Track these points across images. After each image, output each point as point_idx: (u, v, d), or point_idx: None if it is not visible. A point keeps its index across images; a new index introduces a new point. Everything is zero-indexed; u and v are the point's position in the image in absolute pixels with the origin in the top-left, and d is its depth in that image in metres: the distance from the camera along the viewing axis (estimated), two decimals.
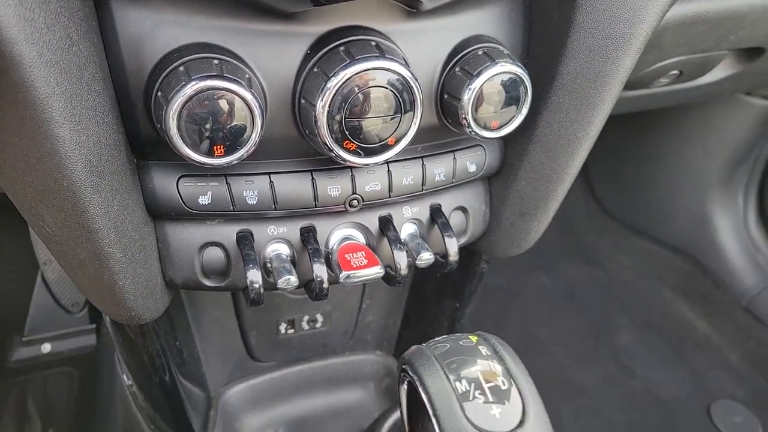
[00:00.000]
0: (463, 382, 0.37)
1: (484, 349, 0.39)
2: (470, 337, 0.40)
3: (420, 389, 0.37)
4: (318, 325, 0.86)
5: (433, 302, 0.86)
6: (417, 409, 0.38)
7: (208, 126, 0.45)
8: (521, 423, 0.35)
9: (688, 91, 0.90)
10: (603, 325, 1.63)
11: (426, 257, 0.60)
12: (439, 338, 0.40)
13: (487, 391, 0.37)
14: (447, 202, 0.64)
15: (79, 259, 0.48)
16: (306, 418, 0.91)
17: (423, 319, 0.88)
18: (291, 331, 0.85)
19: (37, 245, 1.19)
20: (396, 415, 0.83)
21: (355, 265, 0.57)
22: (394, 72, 0.48)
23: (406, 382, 0.39)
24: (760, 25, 0.75)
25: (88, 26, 0.42)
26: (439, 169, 0.60)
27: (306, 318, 0.85)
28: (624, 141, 1.69)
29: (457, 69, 0.53)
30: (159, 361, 0.68)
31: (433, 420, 0.36)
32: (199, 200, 0.52)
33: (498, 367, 0.38)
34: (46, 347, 1.25)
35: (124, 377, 0.85)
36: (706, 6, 0.67)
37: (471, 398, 0.36)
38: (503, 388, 0.37)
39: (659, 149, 1.64)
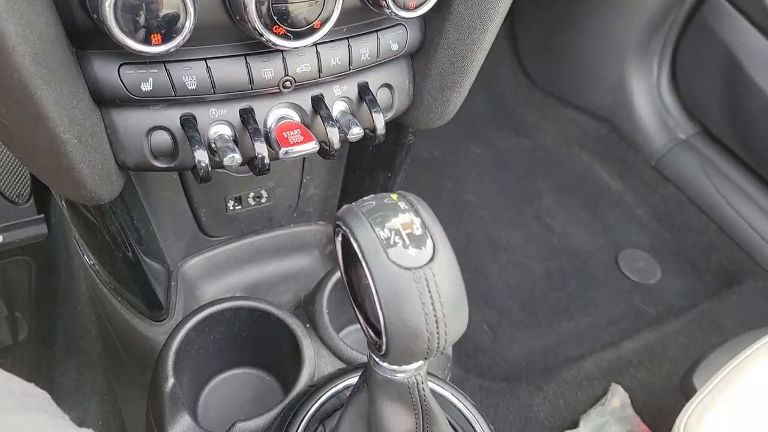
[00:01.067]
0: (386, 231, 0.45)
1: (402, 204, 0.47)
2: (392, 195, 0.48)
3: (351, 239, 0.45)
4: (263, 200, 0.93)
5: (367, 174, 0.94)
6: (350, 255, 0.47)
7: (142, 14, 0.48)
8: (432, 259, 0.45)
9: None
10: (527, 189, 1.78)
11: (356, 132, 0.67)
12: (366, 197, 0.48)
13: (405, 238, 0.45)
14: (373, 80, 0.70)
15: (38, 147, 0.52)
16: (258, 283, 1.01)
17: (359, 189, 0.97)
18: (238, 207, 0.92)
19: None
20: (337, 274, 0.94)
21: (292, 142, 0.63)
22: None
23: (340, 235, 0.47)
24: None
25: None
26: (364, 48, 0.65)
27: (252, 194, 0.91)
28: (550, 13, 1.74)
29: None
30: (120, 238, 0.75)
31: (363, 263, 0.44)
32: (142, 87, 0.56)
33: (414, 218, 0.46)
34: None
35: (85, 258, 0.91)
36: None
37: (392, 243, 0.45)
38: (418, 234, 0.45)
39: (583, 19, 1.70)
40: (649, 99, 1.71)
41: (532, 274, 1.61)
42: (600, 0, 1.62)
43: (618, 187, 1.79)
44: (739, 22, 1.42)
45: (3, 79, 0.46)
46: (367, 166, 0.95)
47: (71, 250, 1.14)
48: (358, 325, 1.01)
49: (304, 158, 0.90)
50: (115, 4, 0.47)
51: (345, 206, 0.47)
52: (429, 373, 0.72)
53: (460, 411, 0.71)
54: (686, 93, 1.67)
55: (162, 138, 0.61)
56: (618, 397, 1.26)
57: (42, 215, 1.33)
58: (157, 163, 0.62)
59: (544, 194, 1.78)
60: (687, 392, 0.96)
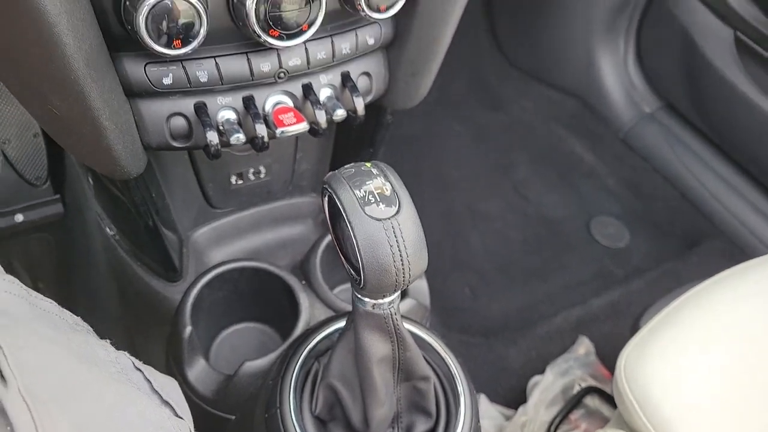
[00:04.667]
0: (362, 191, 0.58)
1: (375, 171, 0.60)
2: (366, 164, 0.61)
3: (335, 198, 0.58)
4: (262, 176, 1.06)
5: (352, 150, 1.07)
6: (335, 211, 0.60)
7: (165, 24, 0.61)
8: (397, 212, 0.58)
9: None
10: (505, 162, 1.91)
11: (340, 113, 0.80)
12: (347, 165, 0.61)
13: (377, 197, 0.58)
14: (354, 70, 0.82)
15: (84, 133, 0.65)
16: (259, 249, 1.14)
17: (346, 164, 1.09)
18: (240, 182, 1.05)
19: None
20: (328, 238, 1.07)
21: (287, 123, 0.76)
22: None
23: (327, 196, 0.61)
24: None
25: None
26: (345, 44, 0.78)
27: (252, 171, 1.04)
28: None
29: None
30: (143, 209, 0.88)
31: (345, 216, 0.57)
32: (163, 81, 0.69)
33: (384, 182, 0.59)
34: (19, 217, 1.40)
35: (107, 229, 1.05)
36: None
37: (367, 201, 0.58)
38: (387, 194, 0.58)
39: (553, 1, 1.82)
40: (616, 76, 1.84)
41: (510, 241, 1.75)
42: None
43: (590, 159, 1.92)
44: (693, 4, 1.55)
45: (61, 80, 0.58)
46: (352, 144, 1.08)
47: (87, 226, 1.26)
48: (347, 284, 1.15)
49: (297, 137, 1.03)
50: (146, 17, 0.59)
51: (330, 173, 0.60)
52: (410, 319, 0.86)
53: (432, 347, 0.85)
54: (650, 70, 1.80)
55: (179, 122, 0.74)
56: (583, 346, 1.41)
57: (58, 195, 1.46)
58: (175, 144, 0.75)
59: (521, 166, 1.92)
60: (633, 333, 1.10)
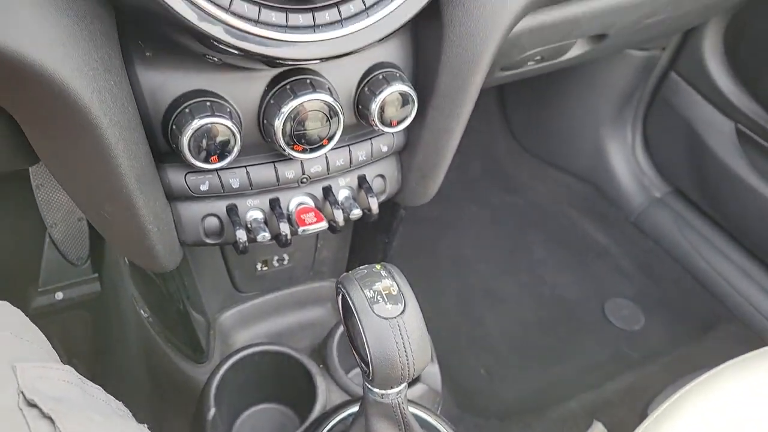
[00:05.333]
0: (372, 292, 0.65)
1: (384, 273, 0.67)
2: (376, 266, 0.69)
3: (347, 298, 0.66)
4: (285, 262, 1.14)
5: (369, 240, 1.16)
6: (347, 309, 0.67)
7: (206, 144, 0.71)
8: (403, 312, 0.65)
9: (555, 65, 1.18)
10: (520, 244, 1.97)
11: (356, 213, 0.88)
12: (360, 267, 0.69)
13: (385, 297, 0.65)
14: (370, 173, 0.91)
15: (130, 234, 0.74)
16: (281, 331, 1.21)
17: (363, 252, 1.18)
18: (265, 268, 1.13)
19: (44, 211, 1.42)
20: None
21: (308, 222, 0.84)
22: (323, 100, 0.74)
23: (340, 294, 0.68)
24: (594, 24, 1.03)
25: (124, 85, 0.66)
26: (361, 151, 0.87)
27: (276, 258, 1.13)
28: (534, 89, 1.97)
29: (365, 88, 0.79)
30: (175, 295, 0.96)
31: (355, 315, 0.65)
32: (200, 187, 0.78)
33: (392, 283, 0.66)
34: (59, 295, 1.50)
35: (141, 311, 1.13)
36: (546, 17, 0.94)
37: (376, 301, 0.65)
38: (394, 293, 0.66)
39: (563, 93, 1.93)
40: (625, 162, 1.91)
41: (525, 321, 1.79)
42: (576, 78, 1.85)
43: (603, 241, 1.98)
44: (694, 98, 1.64)
45: (114, 192, 0.68)
46: (369, 233, 1.16)
47: (122, 305, 1.35)
48: None
49: None
50: (189, 140, 0.69)
51: (344, 274, 0.68)
52: (420, 405, 0.91)
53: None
54: (657, 157, 1.87)
55: (212, 222, 0.83)
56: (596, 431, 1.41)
57: (96, 275, 1.56)
58: (208, 240, 0.84)
59: (536, 247, 1.97)
60: (642, 421, 1.12)
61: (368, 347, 0.63)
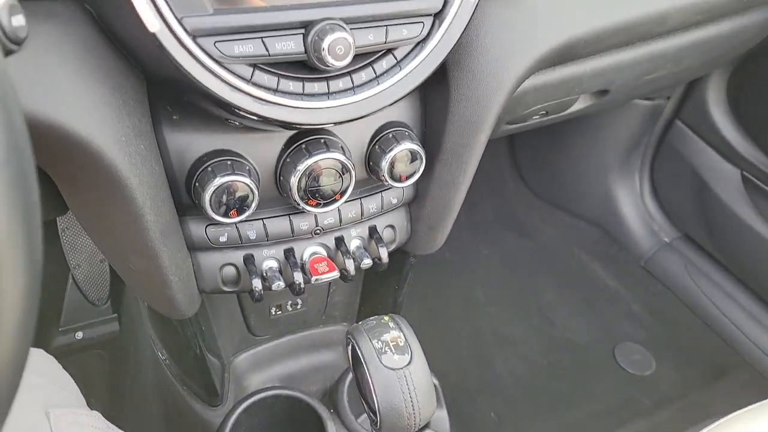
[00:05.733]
0: (380, 343, 0.69)
1: (392, 324, 0.71)
2: (385, 318, 0.72)
3: (357, 348, 0.69)
4: (299, 307, 1.18)
5: (380, 285, 1.19)
6: (356, 359, 0.70)
7: (225, 199, 0.75)
8: (410, 363, 0.68)
9: (560, 117, 1.23)
10: (531, 287, 1.99)
11: (366, 262, 0.92)
12: (368, 318, 0.72)
13: (392, 348, 0.69)
14: (380, 223, 0.95)
15: (151, 282, 0.79)
16: (294, 374, 1.23)
17: (374, 297, 1.21)
18: (279, 312, 1.17)
19: (68, 253, 1.47)
20: None
21: (320, 272, 0.88)
22: (336, 159, 0.78)
23: (350, 345, 0.71)
24: (595, 82, 1.08)
25: (153, 147, 0.72)
26: (372, 204, 0.92)
27: (290, 303, 1.16)
28: (543, 134, 2.02)
29: (376, 146, 0.84)
30: (193, 340, 1.00)
31: (364, 365, 0.68)
32: (220, 239, 0.83)
33: (399, 334, 0.70)
34: (79, 335, 1.55)
35: (159, 354, 1.17)
36: (549, 77, 0.98)
37: (384, 352, 0.68)
38: (401, 345, 0.69)
39: (571, 139, 1.97)
40: (634, 207, 1.94)
41: (536, 365, 1.79)
42: (584, 125, 1.89)
43: (613, 285, 1.99)
44: (700, 146, 1.67)
45: (139, 245, 0.73)
46: (380, 279, 1.19)
47: (140, 346, 1.39)
48: None
49: None
50: (211, 196, 0.74)
51: (354, 325, 0.72)
52: None
53: None
54: (666, 203, 1.90)
55: (230, 271, 0.87)
56: None
57: (116, 315, 1.60)
58: (225, 288, 0.88)
59: (546, 290, 1.99)
60: None
61: (376, 397, 0.67)
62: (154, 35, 0.58)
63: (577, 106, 1.20)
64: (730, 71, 1.58)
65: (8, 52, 0.40)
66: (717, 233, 1.74)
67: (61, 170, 0.73)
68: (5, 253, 0.30)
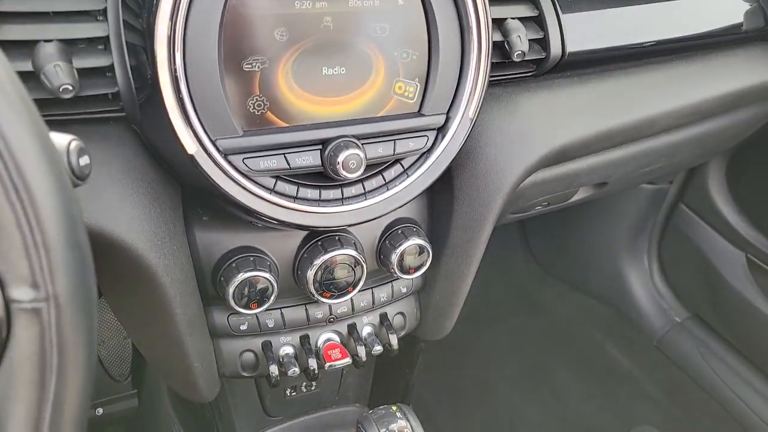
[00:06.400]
0: (388, 431, 0.74)
1: (399, 414, 0.76)
2: (392, 408, 0.77)
3: None
4: (313, 388, 1.22)
5: (392, 368, 1.23)
6: None
7: (248, 292, 0.82)
8: None
9: (561, 207, 1.30)
10: (544, 366, 2.00)
11: (377, 349, 0.97)
12: (377, 408, 0.77)
13: None
14: (391, 311, 1.01)
15: (175, 367, 0.85)
16: None
17: (386, 379, 1.25)
18: (294, 393, 1.21)
19: None
20: None
21: (334, 358, 0.94)
22: (349, 255, 0.85)
23: None
24: (593, 176, 1.15)
25: (184, 248, 0.79)
26: (383, 293, 0.98)
27: (304, 384, 1.21)
28: (553, 215, 2.08)
29: (386, 241, 0.91)
30: (211, 420, 1.04)
31: None
32: (240, 327, 0.89)
33: (406, 423, 0.75)
34: (99, 411, 1.60)
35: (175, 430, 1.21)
36: (547, 174, 1.06)
37: None
38: None
39: (580, 220, 2.04)
40: (644, 287, 1.97)
41: None
42: (592, 207, 1.96)
43: (627, 364, 1.99)
44: (704, 229, 1.72)
45: (167, 335, 0.79)
46: (392, 363, 1.24)
47: (158, 423, 1.43)
48: None
49: None
50: (234, 290, 0.81)
51: (364, 414, 0.77)
52: None
53: None
54: (675, 283, 1.93)
55: (249, 357, 0.93)
56: None
57: (135, 390, 1.65)
58: (244, 373, 0.94)
59: (560, 370, 2.00)
60: None
61: None
62: (192, 156, 0.66)
63: (578, 197, 1.26)
64: (728, 157, 1.65)
65: (75, 185, 0.48)
66: (725, 315, 1.76)
67: (100, 266, 0.80)
68: (74, 368, 0.37)
